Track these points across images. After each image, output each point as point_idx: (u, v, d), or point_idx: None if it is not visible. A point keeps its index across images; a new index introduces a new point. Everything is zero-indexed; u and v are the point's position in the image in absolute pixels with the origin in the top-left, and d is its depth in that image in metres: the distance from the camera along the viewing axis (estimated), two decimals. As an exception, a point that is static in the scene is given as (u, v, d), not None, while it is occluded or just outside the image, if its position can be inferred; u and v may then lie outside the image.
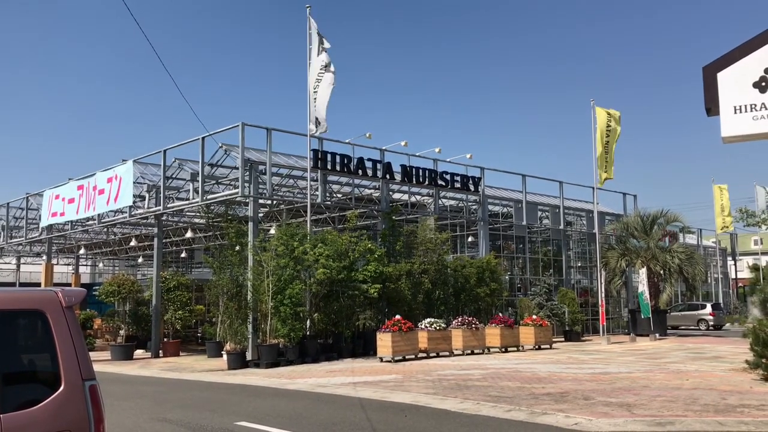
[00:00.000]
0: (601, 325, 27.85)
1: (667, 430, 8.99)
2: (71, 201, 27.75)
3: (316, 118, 21.67)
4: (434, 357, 20.96)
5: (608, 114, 27.72)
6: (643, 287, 28.48)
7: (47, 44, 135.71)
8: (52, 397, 3.89)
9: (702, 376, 14.86)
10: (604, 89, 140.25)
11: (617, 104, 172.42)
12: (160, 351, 24.56)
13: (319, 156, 22.84)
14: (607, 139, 27.66)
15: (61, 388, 3.92)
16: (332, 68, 21.55)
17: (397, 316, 20.52)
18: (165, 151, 23.88)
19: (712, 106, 9.48)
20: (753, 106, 9.02)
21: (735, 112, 9.11)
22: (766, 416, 9.65)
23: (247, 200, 21.88)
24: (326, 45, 21.71)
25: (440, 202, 28.64)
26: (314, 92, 21.66)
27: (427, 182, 26.51)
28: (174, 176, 25.05)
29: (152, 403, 12.80)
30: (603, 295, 28.02)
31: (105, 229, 31.72)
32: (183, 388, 15.27)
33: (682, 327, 37.39)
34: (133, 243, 32.40)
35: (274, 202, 25.24)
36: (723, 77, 9.29)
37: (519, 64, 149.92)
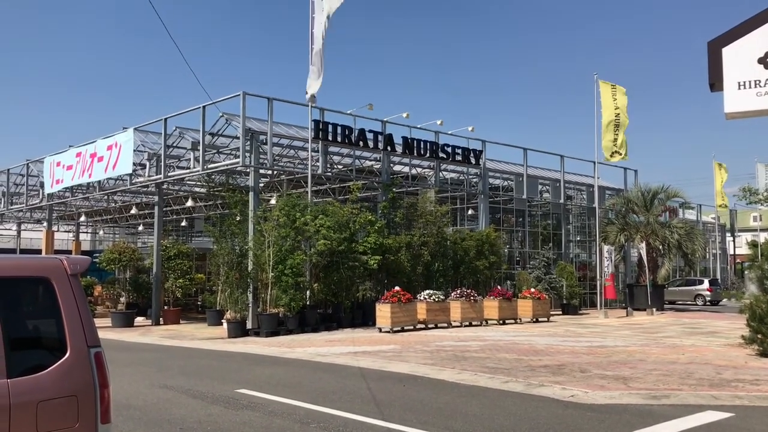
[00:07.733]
0: (599, 299, 27.99)
1: (662, 403, 9.11)
2: (69, 168, 27.66)
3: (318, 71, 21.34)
4: (433, 328, 21.14)
5: (613, 88, 27.48)
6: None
7: (48, 14, 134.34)
8: (59, 363, 3.94)
9: (698, 350, 15.00)
10: (607, 64, 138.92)
11: (619, 78, 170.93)
12: (161, 318, 24.75)
13: (320, 127, 22.74)
14: (617, 112, 27.26)
15: (67, 354, 3.98)
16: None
17: (397, 288, 20.66)
18: (166, 119, 23.76)
19: (716, 82, 9.42)
20: (757, 82, 8.96)
21: (739, 88, 9.06)
22: (761, 391, 9.77)
23: (248, 170, 21.85)
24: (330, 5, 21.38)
25: (441, 174, 28.58)
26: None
27: (428, 154, 26.43)
28: (175, 145, 24.96)
29: (153, 369, 12.94)
30: (611, 269, 28.09)
31: (106, 197, 31.74)
32: (183, 356, 15.42)
33: (679, 302, 37.61)
34: (133, 211, 32.47)
35: (275, 172, 25.19)
36: (728, 53, 9.23)
37: (520, 34, 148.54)
